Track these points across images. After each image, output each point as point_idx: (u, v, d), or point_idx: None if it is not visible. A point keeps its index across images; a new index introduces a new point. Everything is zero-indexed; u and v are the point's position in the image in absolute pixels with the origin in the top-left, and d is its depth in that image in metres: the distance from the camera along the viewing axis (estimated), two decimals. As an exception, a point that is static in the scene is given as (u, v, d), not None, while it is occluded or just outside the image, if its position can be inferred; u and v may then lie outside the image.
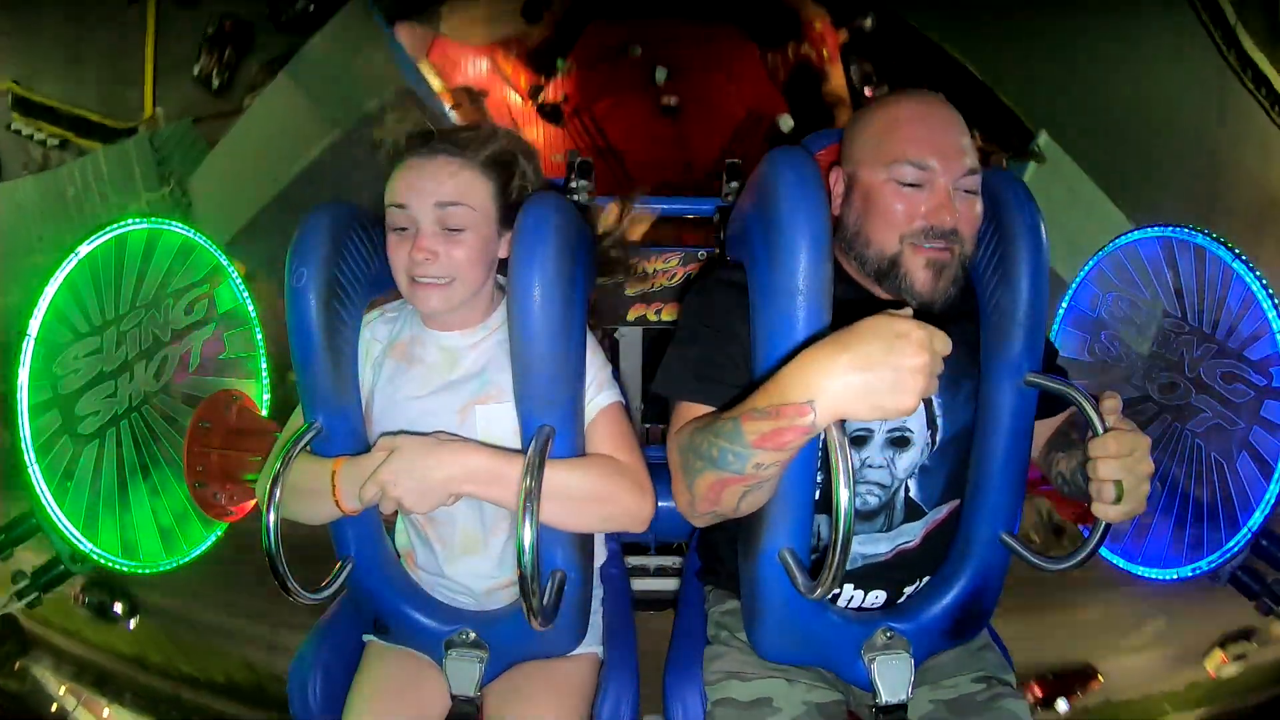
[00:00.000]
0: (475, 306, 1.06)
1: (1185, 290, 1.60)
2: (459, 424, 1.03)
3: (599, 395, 1.03)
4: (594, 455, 1.00)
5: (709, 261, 1.66)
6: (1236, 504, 1.50)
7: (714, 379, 0.95)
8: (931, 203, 0.94)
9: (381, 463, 0.91)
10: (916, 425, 1.02)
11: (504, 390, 1.01)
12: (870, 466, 1.02)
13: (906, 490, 1.04)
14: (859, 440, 1.01)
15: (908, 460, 1.02)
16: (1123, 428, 0.86)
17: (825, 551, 0.80)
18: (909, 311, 0.75)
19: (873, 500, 1.03)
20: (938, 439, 1.03)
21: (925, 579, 1.06)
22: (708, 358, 0.98)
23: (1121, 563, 1.66)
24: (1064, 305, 1.85)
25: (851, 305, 0.85)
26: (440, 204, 0.97)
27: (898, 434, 1.02)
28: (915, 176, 0.94)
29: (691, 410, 0.96)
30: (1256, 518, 1.47)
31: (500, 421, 1.02)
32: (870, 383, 0.72)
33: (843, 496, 0.74)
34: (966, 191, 0.95)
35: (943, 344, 0.73)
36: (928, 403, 1.03)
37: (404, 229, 0.98)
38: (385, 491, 0.91)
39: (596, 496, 0.97)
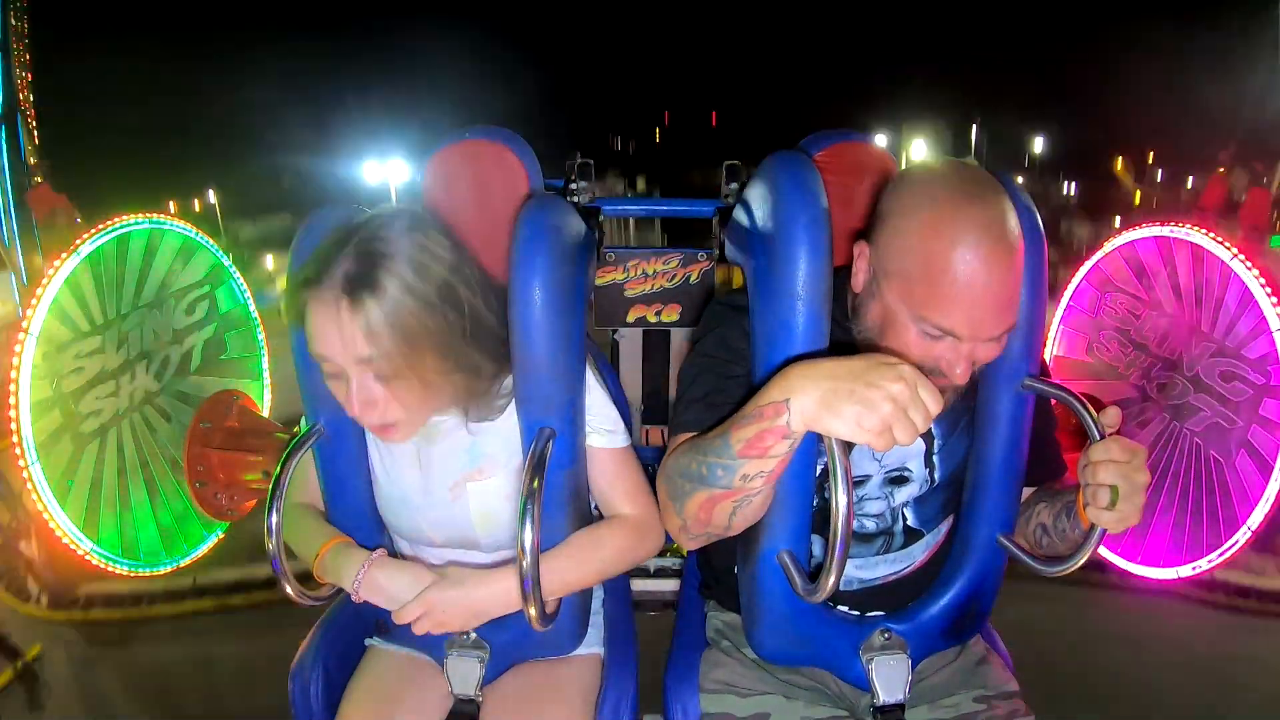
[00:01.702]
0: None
1: (1184, 289, 1.60)
2: (451, 500, 1.03)
3: (610, 435, 1.04)
4: (605, 528, 1.03)
5: (705, 271, 1.67)
6: (1235, 503, 1.50)
7: (715, 406, 0.93)
8: (949, 356, 0.88)
9: (425, 589, 0.96)
10: (915, 464, 1.02)
11: (494, 464, 1.01)
12: (868, 499, 1.02)
13: (904, 519, 1.04)
14: (857, 482, 1.01)
15: (905, 494, 1.03)
16: (1122, 438, 0.86)
17: (823, 559, 0.80)
18: None
19: (870, 525, 1.03)
20: (935, 478, 1.03)
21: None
22: (712, 388, 0.97)
23: (1121, 562, 1.66)
24: (1062, 306, 1.85)
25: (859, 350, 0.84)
26: (360, 359, 0.84)
27: (896, 473, 1.02)
28: (940, 335, 0.88)
29: (683, 438, 0.94)
30: (1256, 516, 1.47)
31: (492, 497, 1.02)
32: (840, 392, 0.71)
33: (841, 500, 0.74)
34: (993, 340, 0.89)
35: (930, 396, 0.70)
36: (928, 443, 1.03)
37: (336, 376, 0.88)
38: (430, 616, 0.96)
39: (624, 562, 1.03)
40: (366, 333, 0.82)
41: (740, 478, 0.80)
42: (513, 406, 0.99)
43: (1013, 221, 0.85)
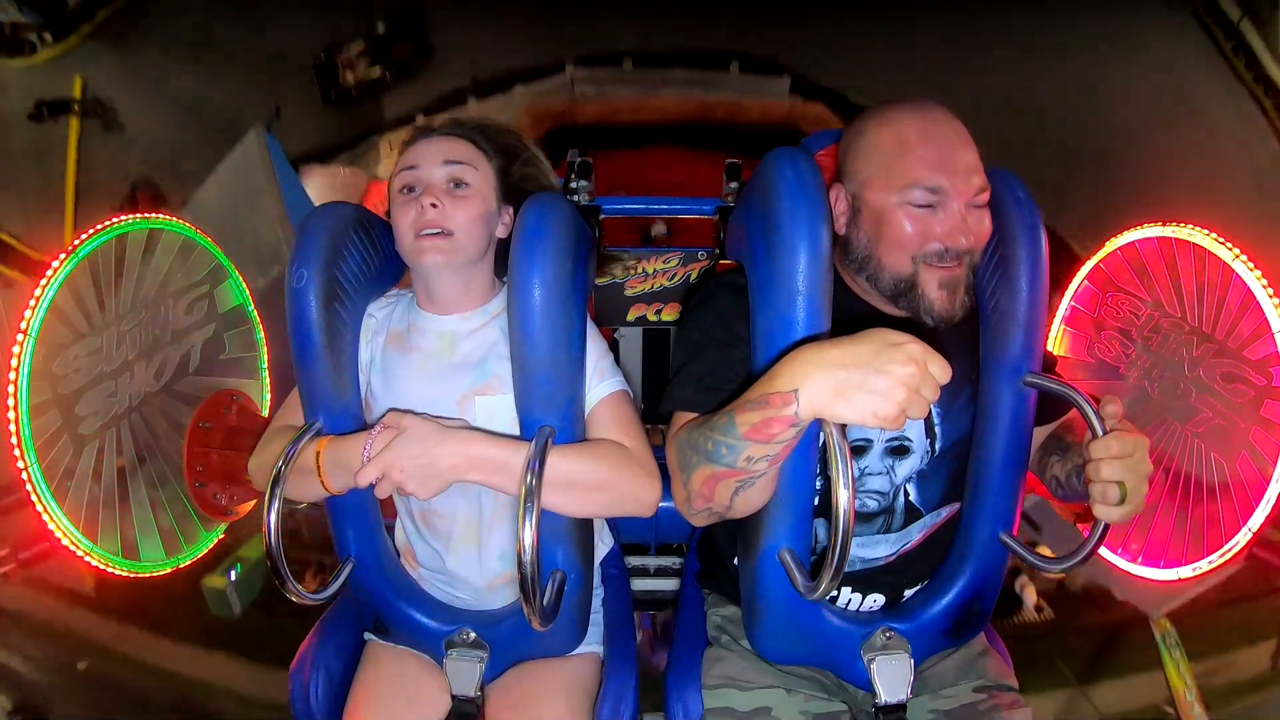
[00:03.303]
0: (473, 287, 1.06)
1: (1185, 289, 1.60)
2: (458, 414, 1.03)
3: (601, 383, 1.03)
4: (599, 440, 1.00)
5: (705, 270, 1.67)
6: (1236, 504, 1.50)
7: (714, 387, 0.95)
8: (946, 225, 0.92)
9: (385, 445, 0.91)
10: (915, 434, 1.02)
11: (504, 381, 1.01)
12: (870, 474, 1.02)
13: (906, 495, 1.04)
14: (859, 450, 1.01)
15: (907, 467, 1.03)
16: (1123, 429, 0.86)
17: (824, 553, 0.80)
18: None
19: (872, 504, 1.03)
20: (936, 447, 1.03)
21: (925, 582, 1.07)
22: (709, 368, 0.97)
23: (1121, 563, 1.66)
24: (1063, 306, 1.85)
25: (863, 320, 0.84)
26: (448, 161, 1.03)
27: (897, 443, 1.02)
28: (927, 199, 0.92)
29: (688, 416, 0.96)
30: (1257, 517, 1.47)
31: (500, 414, 1.02)
32: (851, 381, 0.71)
33: (842, 497, 0.74)
34: (977, 206, 0.94)
35: (940, 369, 0.71)
36: (927, 414, 1.02)
37: (412, 188, 1.02)
38: (388, 475, 0.90)
39: (602, 484, 0.96)
40: (464, 144, 1.06)
41: (745, 459, 0.81)
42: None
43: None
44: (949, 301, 0.95)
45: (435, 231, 0.99)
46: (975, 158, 0.94)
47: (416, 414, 0.96)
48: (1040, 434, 1.08)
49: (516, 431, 1.00)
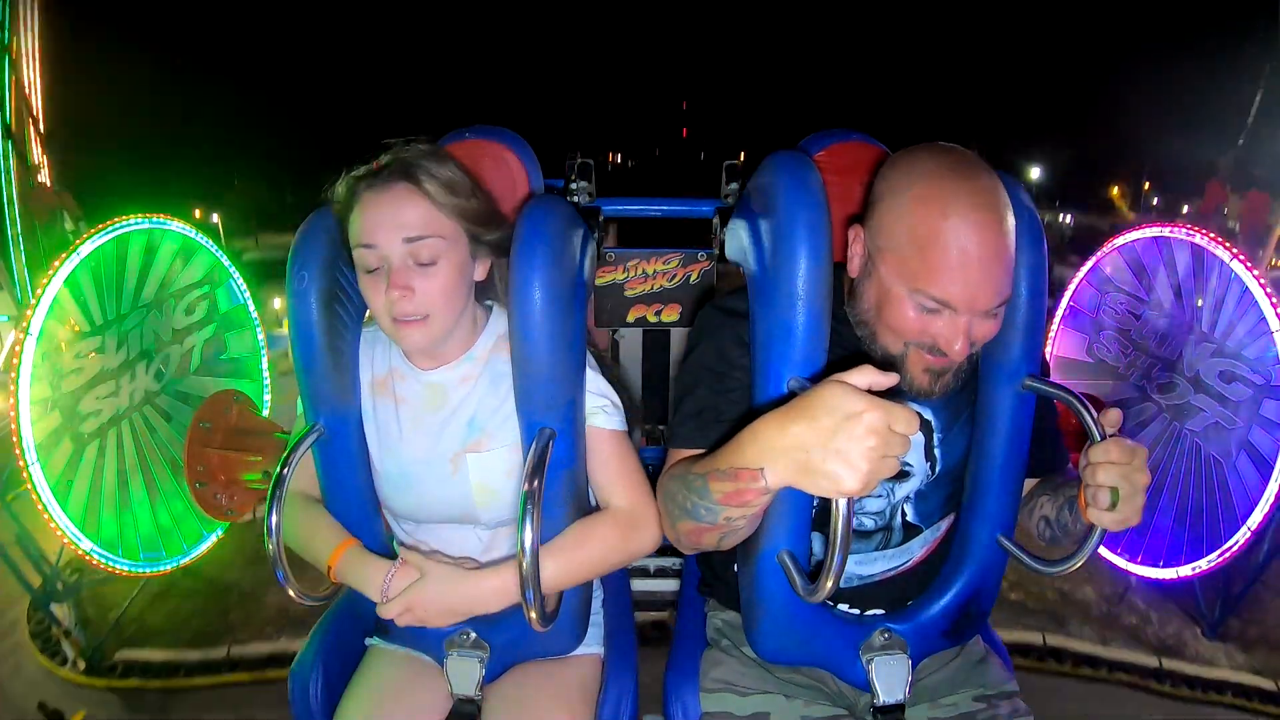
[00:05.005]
0: (456, 337, 1.03)
1: (1184, 290, 1.61)
2: (452, 473, 1.02)
3: (606, 415, 1.03)
4: (592, 524, 1.02)
5: (705, 271, 1.67)
6: (1235, 503, 1.51)
7: (711, 422, 0.94)
8: (947, 331, 0.87)
9: (405, 586, 0.96)
10: (915, 459, 1.02)
11: (493, 436, 1.01)
12: (869, 495, 1.01)
13: (903, 514, 1.04)
14: None
15: (907, 489, 1.02)
16: (1122, 439, 0.86)
17: (823, 557, 0.80)
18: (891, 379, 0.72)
19: (869, 524, 1.03)
20: (936, 470, 1.03)
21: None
22: (706, 403, 0.97)
23: (1121, 562, 1.66)
24: (1062, 306, 1.85)
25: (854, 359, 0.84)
26: (408, 239, 0.93)
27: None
28: (934, 307, 0.87)
29: (684, 453, 0.95)
30: (1255, 516, 1.47)
31: (492, 469, 1.02)
32: (815, 461, 0.70)
33: (840, 502, 0.74)
34: (989, 315, 0.89)
35: (905, 424, 0.68)
36: (927, 435, 1.02)
37: (375, 269, 0.94)
38: (410, 612, 0.96)
39: (615, 559, 1.01)
40: (422, 207, 0.93)
41: (724, 519, 0.82)
42: (490, 355, 1.02)
43: (1002, 195, 0.86)
44: (930, 385, 0.93)
45: (411, 316, 0.94)
46: (1004, 274, 0.86)
47: (434, 559, 1.00)
48: (1026, 484, 1.06)
49: (510, 482, 1.00)
